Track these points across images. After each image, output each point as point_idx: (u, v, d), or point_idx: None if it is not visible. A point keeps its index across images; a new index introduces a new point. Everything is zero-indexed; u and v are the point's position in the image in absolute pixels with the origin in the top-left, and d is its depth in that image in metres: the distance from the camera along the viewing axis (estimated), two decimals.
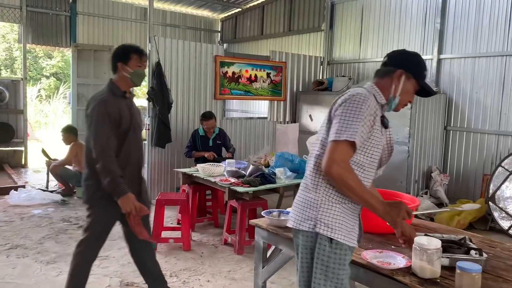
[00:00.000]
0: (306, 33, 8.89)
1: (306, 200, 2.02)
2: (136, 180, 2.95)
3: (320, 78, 8.17)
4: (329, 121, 2.01)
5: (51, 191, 6.48)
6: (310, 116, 7.59)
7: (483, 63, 6.08)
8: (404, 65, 2.04)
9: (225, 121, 7.09)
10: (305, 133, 7.26)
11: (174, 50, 6.32)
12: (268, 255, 3.05)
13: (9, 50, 17.46)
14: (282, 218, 3.00)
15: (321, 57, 8.31)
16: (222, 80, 6.79)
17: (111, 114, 2.72)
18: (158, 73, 6.03)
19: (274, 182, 4.60)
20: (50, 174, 6.61)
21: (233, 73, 6.93)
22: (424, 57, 6.55)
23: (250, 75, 7.17)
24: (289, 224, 2.13)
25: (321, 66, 8.32)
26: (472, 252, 2.27)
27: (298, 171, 4.93)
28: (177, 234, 4.55)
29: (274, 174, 4.80)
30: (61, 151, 6.71)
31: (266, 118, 7.75)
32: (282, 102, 7.76)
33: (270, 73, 7.47)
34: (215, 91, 6.71)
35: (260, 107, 9.36)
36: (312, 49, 8.71)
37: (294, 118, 7.87)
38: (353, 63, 7.88)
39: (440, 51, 6.50)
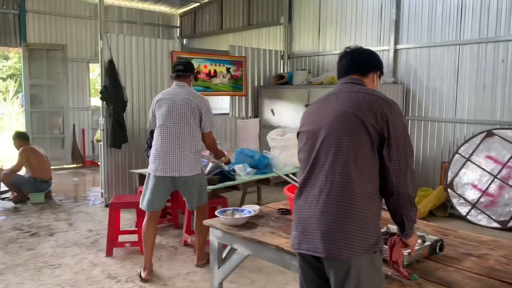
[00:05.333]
0: (266, 27, 8.80)
1: None
2: None
3: (281, 72, 8.11)
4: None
5: (2, 199, 6.17)
6: (272, 110, 7.52)
7: (437, 52, 6.16)
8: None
9: None
10: (267, 128, 7.18)
11: (127, 47, 6.10)
12: (224, 255, 2.96)
13: None
14: (237, 216, 2.91)
15: (281, 51, 8.25)
16: None
17: None
18: (111, 71, 5.82)
19: (234, 179, 4.51)
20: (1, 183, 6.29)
21: None
22: (381, 48, 6.72)
23: (209, 70, 7.03)
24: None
25: (282, 60, 8.26)
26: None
27: (258, 167, 4.86)
28: (135, 237, 4.39)
29: (234, 171, 4.70)
30: (17, 155, 6.38)
31: (228, 114, 7.63)
32: (243, 97, 7.66)
33: (230, 68, 7.35)
34: None
35: (222, 103, 9.22)
36: (272, 43, 8.64)
37: (256, 113, 7.79)
38: (313, 56, 7.86)
39: (396, 42, 6.55)
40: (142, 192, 3.83)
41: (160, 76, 6.45)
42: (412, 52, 6.43)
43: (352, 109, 1.83)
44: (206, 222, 2.96)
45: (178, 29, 11.00)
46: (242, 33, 9.31)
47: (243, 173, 4.64)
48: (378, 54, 2.18)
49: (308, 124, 2.00)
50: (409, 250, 2.02)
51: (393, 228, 2.40)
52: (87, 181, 7.95)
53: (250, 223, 2.84)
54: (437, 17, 6.13)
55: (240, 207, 3.13)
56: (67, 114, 8.98)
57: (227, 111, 7.69)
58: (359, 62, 2.03)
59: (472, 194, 5.54)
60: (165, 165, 3.64)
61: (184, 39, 10.81)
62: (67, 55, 8.90)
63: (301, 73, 7.25)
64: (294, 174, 3.58)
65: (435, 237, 2.33)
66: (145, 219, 3.81)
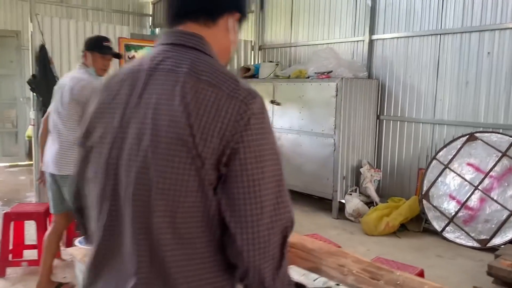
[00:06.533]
0: None
1: None
2: None
3: (250, 64, 7.39)
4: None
5: None
6: None
7: (416, 43, 5.42)
8: None
9: None
10: None
11: (64, 32, 5.40)
12: None
13: None
14: None
15: (251, 41, 7.53)
16: None
17: None
18: (42, 59, 5.13)
19: None
20: None
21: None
22: (355, 38, 5.98)
23: None
24: None
25: (252, 51, 7.54)
26: None
27: None
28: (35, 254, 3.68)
29: None
30: None
31: None
32: None
33: None
34: None
35: None
36: (245, 33, 7.89)
37: None
38: (285, 48, 7.13)
39: (372, 32, 5.80)
40: None
41: None
42: (389, 43, 5.68)
43: (169, 112, 0.90)
44: (69, 250, 2.27)
45: (151, 17, 10.27)
46: None
47: None
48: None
49: (99, 130, 1.00)
50: None
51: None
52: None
53: None
54: (416, 3, 5.39)
55: None
56: (21, 107, 8.29)
57: None
58: None
59: (449, 207, 4.81)
60: (45, 157, 3.21)
61: (157, 28, 10.08)
62: (22, 42, 8.20)
63: (268, 66, 6.53)
64: None
65: None
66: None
